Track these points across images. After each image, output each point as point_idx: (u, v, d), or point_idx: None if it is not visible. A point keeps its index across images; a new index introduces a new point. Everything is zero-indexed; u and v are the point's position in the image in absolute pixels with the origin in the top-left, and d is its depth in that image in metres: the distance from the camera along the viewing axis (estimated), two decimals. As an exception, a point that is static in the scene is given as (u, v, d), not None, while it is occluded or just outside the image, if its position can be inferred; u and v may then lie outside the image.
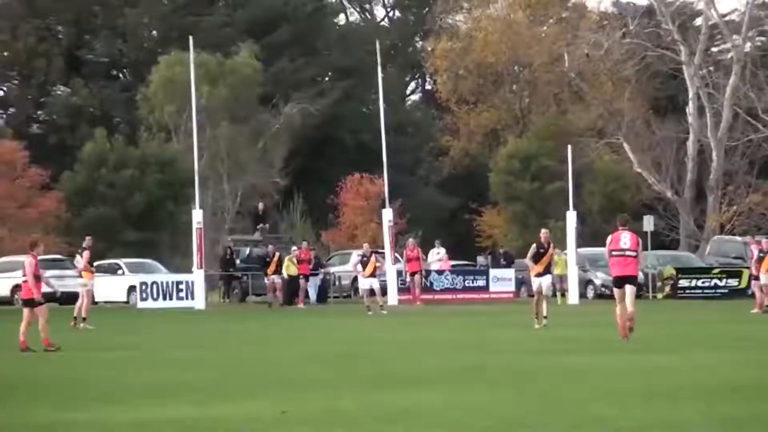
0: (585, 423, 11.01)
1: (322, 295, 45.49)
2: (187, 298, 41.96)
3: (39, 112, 72.06)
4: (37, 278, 20.90)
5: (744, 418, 11.20)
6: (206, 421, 11.45)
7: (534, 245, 26.52)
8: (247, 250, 47.71)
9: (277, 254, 43.04)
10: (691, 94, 61.21)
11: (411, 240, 44.33)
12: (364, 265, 36.21)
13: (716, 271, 46.57)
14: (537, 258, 26.30)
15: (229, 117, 60.48)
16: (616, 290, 21.38)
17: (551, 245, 26.85)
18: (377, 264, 37.09)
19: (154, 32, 72.90)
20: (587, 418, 11.28)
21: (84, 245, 30.47)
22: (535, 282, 26.17)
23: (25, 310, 21.05)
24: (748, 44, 62.28)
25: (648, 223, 50.64)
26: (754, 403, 12.26)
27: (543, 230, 27.37)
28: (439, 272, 45.10)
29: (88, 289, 29.89)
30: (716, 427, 10.78)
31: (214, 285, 48.80)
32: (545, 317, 25.66)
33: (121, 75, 75.12)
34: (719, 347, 20.07)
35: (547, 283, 26.52)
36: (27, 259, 21.21)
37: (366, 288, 36.02)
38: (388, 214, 44.53)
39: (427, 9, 75.52)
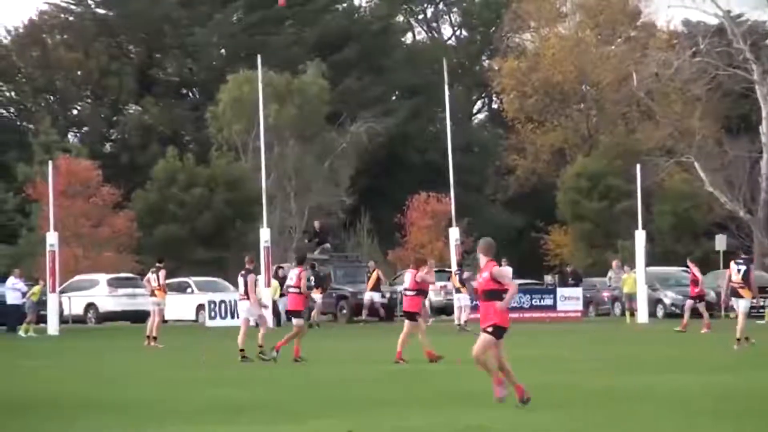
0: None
1: (389, 313, 45.48)
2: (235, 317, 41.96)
3: (111, 131, 72.85)
4: None
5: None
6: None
7: None
8: (309, 271, 47.59)
9: (376, 271, 43.01)
10: (764, 113, 60.64)
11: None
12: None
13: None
14: None
15: (297, 135, 60.73)
16: None
17: None
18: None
19: (223, 51, 73.44)
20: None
21: (158, 264, 30.57)
22: None
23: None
24: (820, 63, 61.62)
25: (720, 242, 50.23)
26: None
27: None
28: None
29: (161, 308, 30.00)
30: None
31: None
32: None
33: (190, 94, 75.79)
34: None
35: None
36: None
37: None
38: (454, 233, 44.49)
39: (494, 28, 75.56)
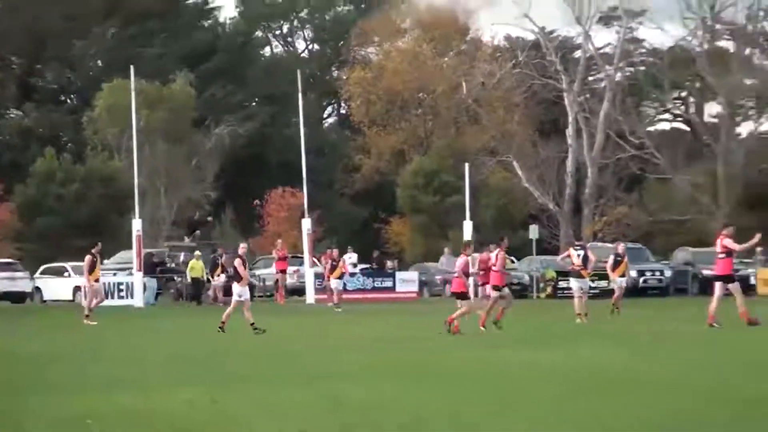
0: (500, 410, 11.17)
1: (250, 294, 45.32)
2: (126, 297, 41.95)
3: (-6, 133, 71.24)
4: None
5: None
6: (146, 411, 11.56)
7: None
8: (182, 256, 47.57)
9: (223, 257, 42.87)
10: (570, 118, 62.03)
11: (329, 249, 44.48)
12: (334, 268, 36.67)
13: (590, 273, 47.02)
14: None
15: (166, 137, 60.22)
16: None
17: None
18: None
19: (99, 62, 72.32)
20: (503, 405, 11.44)
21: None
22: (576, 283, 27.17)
23: None
24: (619, 74, 63.28)
25: (533, 231, 51.31)
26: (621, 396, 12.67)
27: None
28: (352, 274, 45.32)
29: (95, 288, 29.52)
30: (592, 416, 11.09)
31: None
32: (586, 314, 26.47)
33: (69, 100, 74.41)
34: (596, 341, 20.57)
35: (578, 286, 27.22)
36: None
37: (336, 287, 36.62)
38: (307, 223, 44.73)
39: (342, 42, 75.73)
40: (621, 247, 31.95)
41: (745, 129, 62.05)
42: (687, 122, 68.18)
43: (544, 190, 60.79)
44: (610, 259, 31.04)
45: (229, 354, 18.71)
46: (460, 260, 22.92)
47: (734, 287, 23.33)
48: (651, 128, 66.17)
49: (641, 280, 46.45)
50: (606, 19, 64.96)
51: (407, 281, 47.29)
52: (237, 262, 24.11)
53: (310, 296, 42.68)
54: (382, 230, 65.32)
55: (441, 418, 10.70)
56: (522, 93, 63.47)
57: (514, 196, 61.60)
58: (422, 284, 48.16)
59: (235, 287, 24.18)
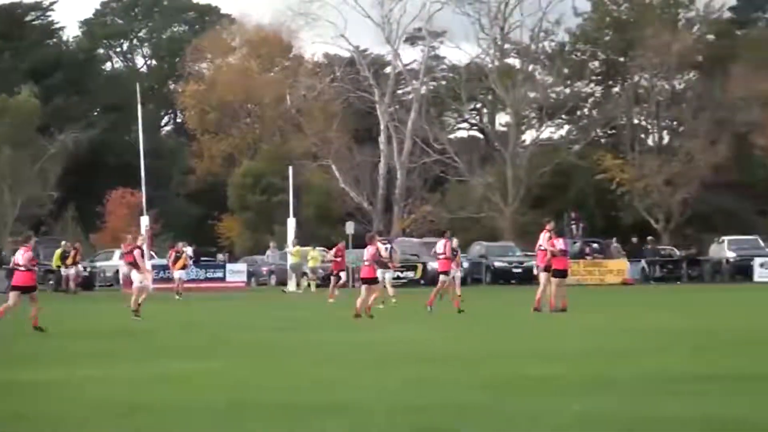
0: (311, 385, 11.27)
1: (90, 284, 45.13)
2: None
3: None
4: None
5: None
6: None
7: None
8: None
9: (74, 250, 42.18)
10: (382, 127, 63.19)
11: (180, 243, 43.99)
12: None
13: (399, 266, 48.22)
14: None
15: (12, 143, 59.10)
16: None
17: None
18: None
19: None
20: (316, 381, 11.59)
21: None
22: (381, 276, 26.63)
23: None
24: (424, 88, 64.89)
25: (350, 227, 52.28)
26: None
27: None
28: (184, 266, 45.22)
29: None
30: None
31: None
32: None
33: None
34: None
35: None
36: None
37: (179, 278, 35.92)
38: (145, 220, 44.67)
39: (178, 59, 75.33)
40: (454, 242, 32.90)
41: (529, 137, 64.56)
42: (481, 130, 70.49)
43: (359, 190, 61.80)
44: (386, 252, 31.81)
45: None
46: (371, 249, 23.35)
47: (545, 277, 23.54)
48: (451, 136, 68.11)
49: (444, 271, 47.53)
50: (412, 39, 66.66)
51: (236, 272, 47.63)
52: (136, 252, 24.01)
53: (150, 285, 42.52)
54: (214, 226, 65.41)
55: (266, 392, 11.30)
56: (339, 104, 64.43)
57: (333, 196, 62.26)
58: (250, 275, 48.55)
59: (135, 275, 23.97)
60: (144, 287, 23.79)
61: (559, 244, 23.70)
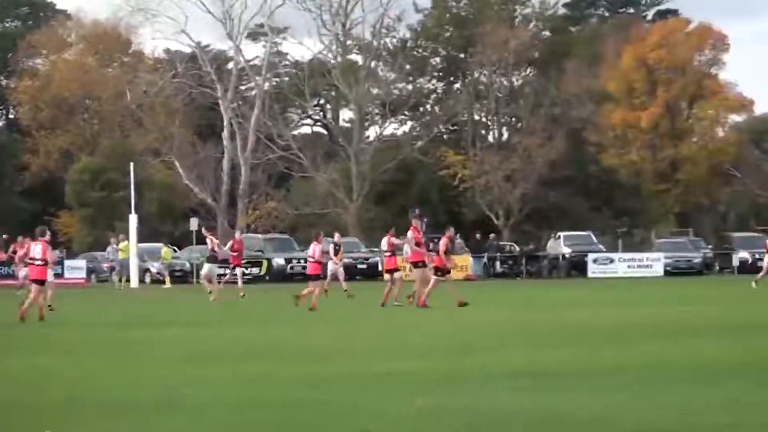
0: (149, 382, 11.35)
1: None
2: None
3: None
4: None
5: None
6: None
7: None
8: None
9: None
10: (225, 122, 62.77)
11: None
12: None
13: (243, 261, 47.82)
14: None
15: None
16: None
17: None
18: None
19: None
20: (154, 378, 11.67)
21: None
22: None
23: None
24: (267, 84, 64.66)
25: (193, 223, 51.68)
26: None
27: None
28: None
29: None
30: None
31: None
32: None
33: None
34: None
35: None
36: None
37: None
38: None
39: (11, 54, 72.84)
40: (337, 237, 32.84)
41: (372, 133, 65.07)
42: (325, 126, 70.70)
43: (202, 186, 61.24)
44: (331, 248, 31.94)
45: None
46: (316, 247, 25.46)
47: (399, 275, 25.12)
48: (295, 132, 68.08)
49: (288, 267, 47.69)
50: (254, 35, 66.37)
51: (75, 268, 46.52)
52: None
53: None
54: (51, 222, 63.51)
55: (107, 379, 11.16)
56: (181, 100, 63.74)
57: (176, 192, 61.61)
58: (90, 271, 47.54)
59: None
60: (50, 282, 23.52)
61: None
